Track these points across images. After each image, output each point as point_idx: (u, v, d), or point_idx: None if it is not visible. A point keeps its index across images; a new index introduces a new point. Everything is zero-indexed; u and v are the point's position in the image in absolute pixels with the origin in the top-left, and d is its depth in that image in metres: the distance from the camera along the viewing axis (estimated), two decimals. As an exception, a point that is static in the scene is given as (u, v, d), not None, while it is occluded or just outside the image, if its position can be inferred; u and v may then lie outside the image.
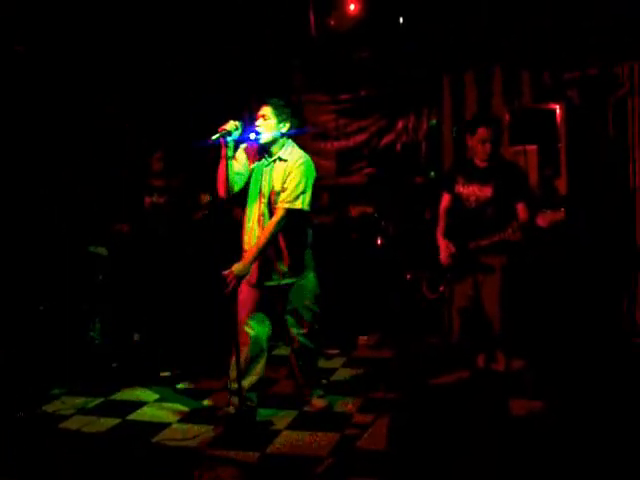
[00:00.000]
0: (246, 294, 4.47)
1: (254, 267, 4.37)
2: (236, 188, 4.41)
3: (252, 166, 4.46)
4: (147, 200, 6.14)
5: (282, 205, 4.29)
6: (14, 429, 4.55)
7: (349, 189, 7.52)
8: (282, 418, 4.64)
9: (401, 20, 6.77)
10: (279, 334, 4.76)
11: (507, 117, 6.42)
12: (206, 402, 5.05)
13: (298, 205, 4.31)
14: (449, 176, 5.12)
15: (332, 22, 6.95)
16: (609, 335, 5.43)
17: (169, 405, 5.00)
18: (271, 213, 4.37)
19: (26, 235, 5.60)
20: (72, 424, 4.64)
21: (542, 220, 4.49)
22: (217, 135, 4.17)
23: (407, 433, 4.08)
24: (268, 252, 4.37)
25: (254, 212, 4.44)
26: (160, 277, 5.92)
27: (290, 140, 4.46)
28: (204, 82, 7.04)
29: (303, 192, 4.32)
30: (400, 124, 7.48)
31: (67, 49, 6.09)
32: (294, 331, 4.58)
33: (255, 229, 4.41)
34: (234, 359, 4.41)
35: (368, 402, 4.91)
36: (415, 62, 7.03)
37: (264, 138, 4.33)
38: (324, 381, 5.09)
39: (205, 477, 3.82)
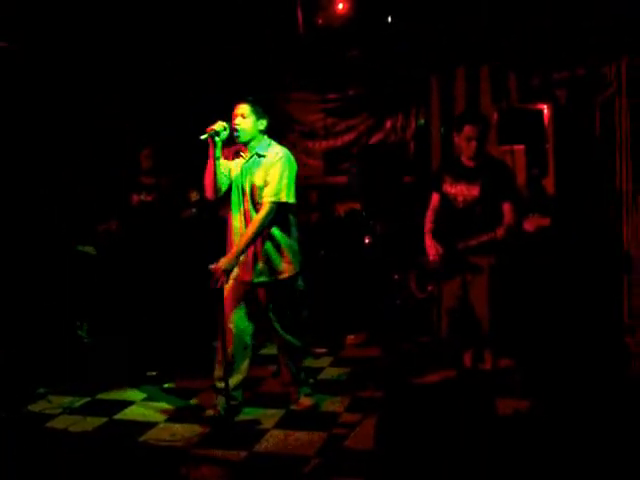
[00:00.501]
0: (230, 291, 4.47)
1: (239, 264, 4.37)
2: (223, 188, 4.41)
3: (232, 164, 4.47)
4: (135, 198, 6.11)
5: (267, 200, 4.30)
6: (-1, 429, 4.53)
7: (337, 188, 7.52)
8: (269, 417, 4.63)
9: (389, 19, 6.76)
10: (265, 332, 4.76)
11: (495, 117, 6.43)
12: (193, 401, 5.04)
13: (283, 198, 4.32)
14: (437, 176, 5.12)
15: (320, 21, 6.93)
16: (597, 335, 5.44)
17: (156, 404, 4.99)
18: (255, 209, 4.38)
19: (12, 234, 5.57)
20: (58, 423, 4.63)
21: (529, 225, 4.50)
22: (205, 135, 4.18)
23: (394, 432, 4.07)
24: (252, 249, 4.37)
25: (239, 210, 4.45)
26: (148, 276, 5.90)
27: (266, 136, 4.47)
28: (191, 81, 7.02)
29: (286, 185, 4.33)
30: (388, 123, 7.49)
31: (65, 48, 6.07)
32: (278, 328, 4.59)
33: (241, 227, 4.42)
34: (219, 358, 4.42)
35: (355, 401, 4.91)
36: (403, 62, 7.03)
37: (244, 136, 4.33)
38: (311, 380, 5.09)
39: (192, 476, 3.81)
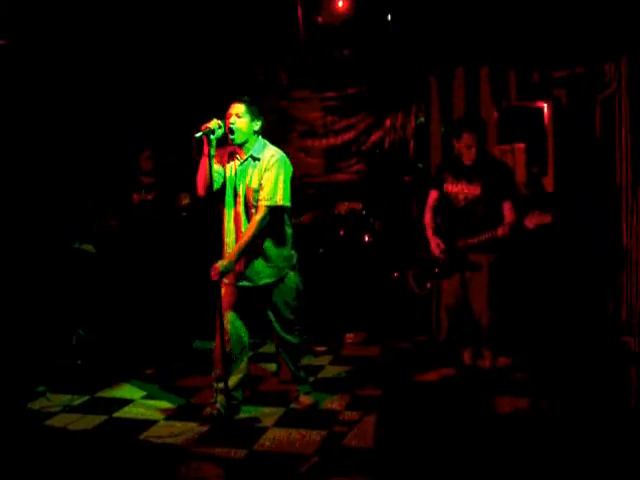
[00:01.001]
0: (227, 292, 4.49)
1: (235, 268, 4.39)
2: (216, 186, 4.40)
3: (227, 166, 4.47)
4: (136, 197, 6.12)
5: (262, 204, 4.31)
6: (-1, 427, 4.53)
7: (337, 186, 7.52)
8: (269, 415, 4.64)
9: (389, 18, 6.76)
10: (265, 331, 4.77)
11: (495, 115, 6.42)
12: (192, 400, 5.04)
13: (278, 201, 4.32)
14: (438, 174, 5.14)
15: (320, 19, 6.93)
16: (596, 333, 5.45)
17: (155, 402, 4.99)
18: (247, 212, 4.39)
19: (11, 232, 5.56)
20: (57, 421, 4.63)
21: (529, 221, 4.51)
22: (200, 133, 4.18)
23: (394, 430, 4.08)
24: (248, 252, 4.38)
25: (232, 213, 4.46)
26: (147, 273, 5.90)
27: (262, 138, 4.47)
28: (190, 80, 7.01)
29: (282, 188, 4.33)
30: (388, 122, 7.49)
31: (64, 47, 6.06)
32: (276, 327, 4.61)
33: (234, 229, 4.43)
34: (217, 357, 4.43)
35: (355, 399, 4.91)
36: (403, 60, 7.03)
37: (239, 136, 4.33)
38: (311, 378, 5.09)
39: (191, 475, 3.81)
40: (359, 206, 7.11)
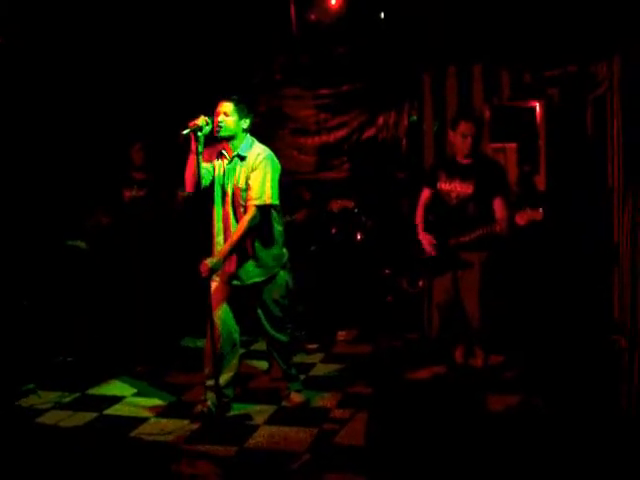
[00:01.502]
0: (217, 290, 4.49)
1: (225, 266, 4.39)
2: (204, 183, 4.40)
3: (215, 165, 4.46)
4: (127, 193, 6.10)
5: (251, 203, 4.31)
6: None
7: (330, 184, 7.52)
8: (260, 413, 4.63)
9: (382, 15, 6.76)
10: (255, 329, 4.77)
11: (487, 114, 6.43)
12: (183, 397, 5.03)
13: (267, 200, 4.32)
14: (431, 172, 5.14)
15: (313, 16, 6.93)
16: (587, 332, 5.46)
17: (146, 400, 4.98)
18: (236, 212, 4.39)
19: (1, 229, 5.55)
20: (48, 419, 4.61)
21: (520, 218, 4.52)
22: (188, 130, 4.17)
23: (385, 428, 4.08)
24: (237, 251, 4.38)
25: (221, 212, 4.46)
26: (139, 270, 5.89)
27: (249, 136, 4.46)
28: (182, 77, 7.00)
29: (270, 187, 4.33)
30: (381, 120, 7.50)
31: (54, 44, 6.04)
32: (265, 326, 4.62)
33: (223, 229, 4.44)
34: (208, 356, 4.43)
35: (346, 397, 4.91)
36: (396, 58, 7.03)
37: (225, 132, 4.33)
38: (302, 376, 5.09)
39: (182, 472, 3.81)
40: (351, 204, 7.11)
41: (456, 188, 4.88)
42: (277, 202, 4.39)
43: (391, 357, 5.89)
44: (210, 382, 4.44)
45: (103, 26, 6.28)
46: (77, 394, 5.09)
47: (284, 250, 4.61)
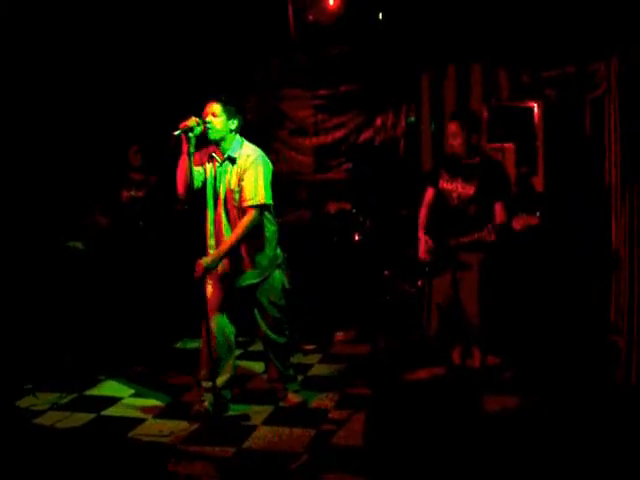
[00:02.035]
0: (213, 293, 4.49)
1: (220, 267, 4.40)
2: (196, 184, 4.39)
3: (207, 168, 4.46)
4: (125, 194, 6.10)
5: (246, 205, 4.31)
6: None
7: (327, 185, 7.52)
8: (258, 414, 4.63)
9: (380, 16, 6.76)
10: (253, 330, 4.77)
11: (485, 115, 6.43)
12: (181, 398, 5.03)
13: (261, 200, 4.32)
14: (434, 171, 5.12)
15: (311, 17, 6.92)
16: (584, 332, 5.47)
17: (144, 401, 4.98)
18: (228, 214, 4.40)
19: None
20: (46, 420, 4.60)
21: (517, 223, 4.51)
22: (179, 131, 4.16)
23: (383, 429, 4.08)
24: (233, 254, 4.39)
25: (213, 215, 4.47)
26: (137, 271, 5.89)
27: (239, 136, 4.46)
28: (179, 77, 6.99)
29: (263, 187, 4.33)
30: (379, 120, 7.49)
31: (52, 46, 6.04)
32: (262, 327, 4.61)
33: (215, 231, 4.44)
34: (204, 358, 4.43)
35: (344, 398, 4.91)
36: (394, 58, 7.03)
37: (214, 134, 4.32)
38: (300, 377, 5.09)
39: (180, 473, 3.80)
40: (348, 206, 7.11)
41: (458, 188, 4.86)
42: (270, 202, 4.39)
43: (389, 358, 5.89)
44: (207, 384, 4.44)
45: (103, 28, 6.28)
46: (75, 395, 5.08)
47: (278, 251, 4.60)
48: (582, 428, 4.00)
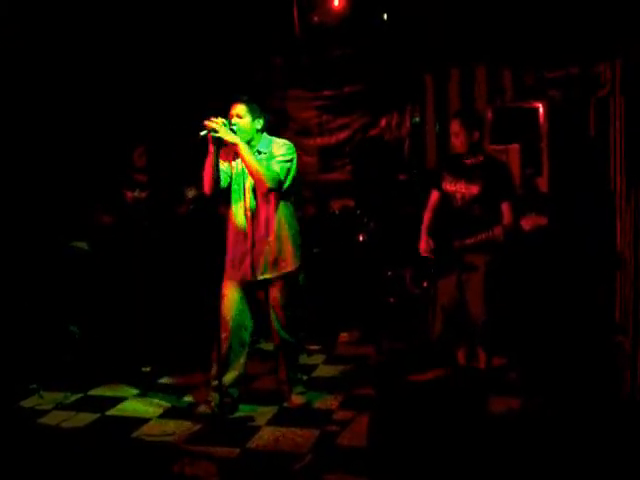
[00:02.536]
0: (230, 288, 4.49)
1: (245, 264, 4.40)
2: (222, 184, 4.40)
3: (232, 164, 4.46)
4: (129, 195, 6.10)
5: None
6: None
7: (331, 185, 7.53)
8: (263, 414, 4.63)
9: (385, 17, 6.77)
10: (260, 329, 4.76)
11: (490, 115, 6.43)
12: (187, 398, 5.03)
13: (283, 179, 4.35)
14: (437, 173, 5.11)
15: (316, 18, 6.94)
16: (590, 334, 5.46)
17: (149, 400, 4.98)
18: (256, 207, 4.39)
19: (4, 230, 5.55)
20: (50, 419, 4.62)
21: (525, 223, 4.50)
22: (204, 132, 4.16)
23: (387, 430, 4.08)
24: (258, 247, 4.41)
25: (240, 208, 4.46)
26: (142, 271, 5.89)
27: (266, 134, 4.48)
28: (185, 78, 7.00)
29: (288, 170, 4.39)
30: (383, 121, 7.49)
31: (58, 45, 6.05)
32: (276, 326, 4.59)
33: (243, 224, 4.44)
34: (215, 356, 4.42)
35: (348, 399, 4.91)
36: (399, 59, 7.03)
37: (243, 136, 4.32)
38: (305, 377, 5.09)
39: (184, 473, 3.81)
40: (352, 203, 7.11)
41: (461, 189, 4.85)
42: (289, 184, 4.41)
43: (393, 359, 5.88)
44: (215, 382, 4.43)
45: (107, 29, 6.29)
46: (79, 395, 5.09)
47: (300, 245, 4.61)
48: (588, 430, 3.99)
